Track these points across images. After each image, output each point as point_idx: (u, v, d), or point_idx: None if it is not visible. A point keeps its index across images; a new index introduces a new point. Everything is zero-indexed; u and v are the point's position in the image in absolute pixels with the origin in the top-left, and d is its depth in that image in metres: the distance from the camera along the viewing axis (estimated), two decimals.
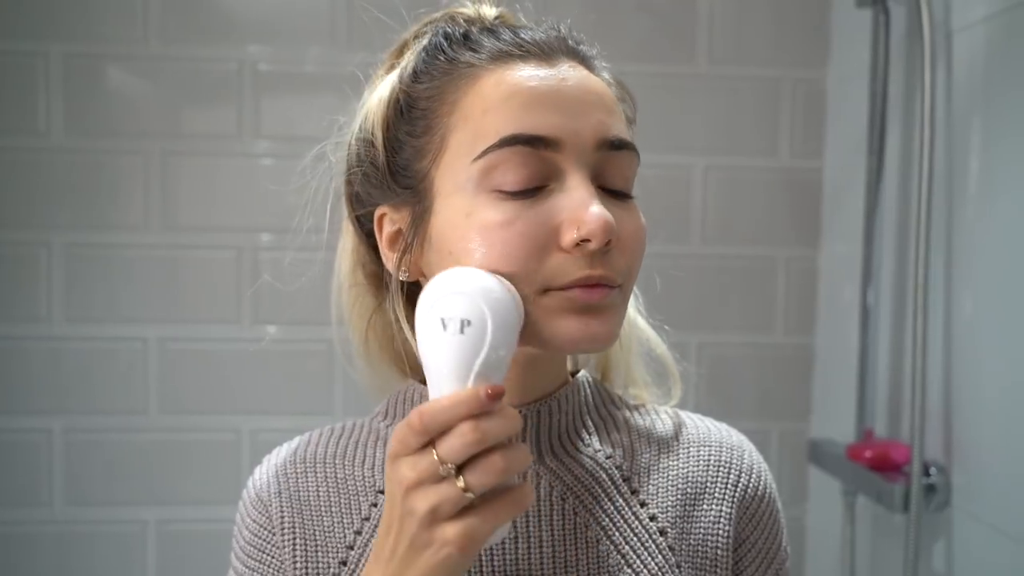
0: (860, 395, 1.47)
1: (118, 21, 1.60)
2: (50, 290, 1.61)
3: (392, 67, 0.71)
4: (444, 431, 0.54)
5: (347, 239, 0.76)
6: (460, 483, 0.54)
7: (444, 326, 0.56)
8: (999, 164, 1.18)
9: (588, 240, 0.59)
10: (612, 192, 0.64)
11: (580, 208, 0.60)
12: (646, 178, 0.72)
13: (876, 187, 1.45)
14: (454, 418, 0.54)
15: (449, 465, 0.54)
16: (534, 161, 0.61)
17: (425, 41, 0.68)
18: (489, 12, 0.71)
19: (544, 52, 0.65)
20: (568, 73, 0.64)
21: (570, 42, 0.67)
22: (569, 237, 0.60)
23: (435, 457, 0.54)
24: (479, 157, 0.61)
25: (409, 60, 0.68)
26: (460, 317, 0.56)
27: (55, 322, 1.61)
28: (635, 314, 0.80)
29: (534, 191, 0.61)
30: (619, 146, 0.64)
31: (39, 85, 1.59)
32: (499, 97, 0.62)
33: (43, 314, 1.61)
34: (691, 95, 1.68)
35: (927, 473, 1.26)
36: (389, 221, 0.68)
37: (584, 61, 0.67)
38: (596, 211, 0.59)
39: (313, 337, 1.62)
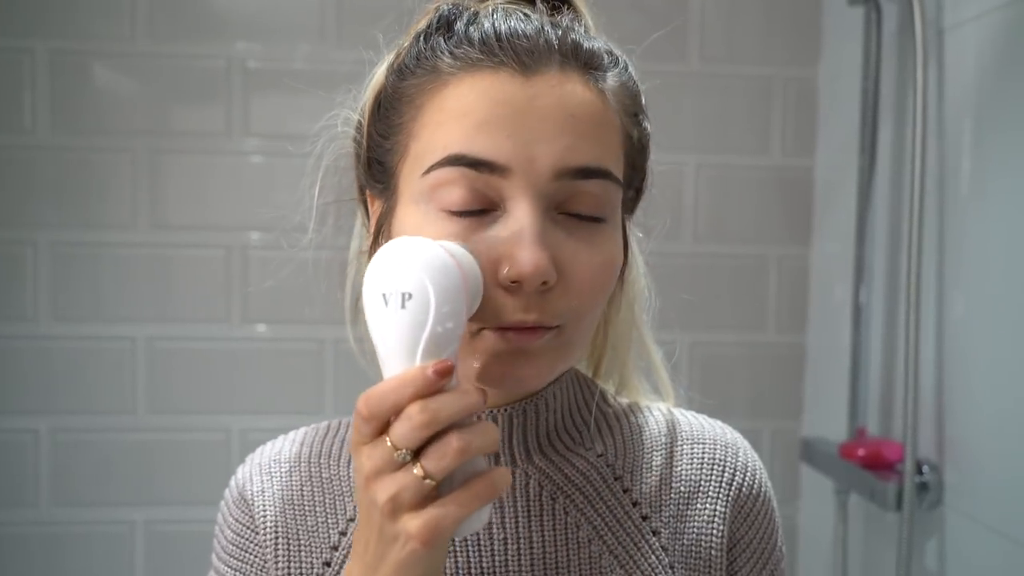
0: (852, 393, 1.47)
1: (106, 17, 1.59)
2: (37, 289, 1.59)
3: (398, 53, 0.67)
4: (394, 415, 0.51)
5: (361, 220, 0.74)
6: (418, 470, 0.51)
7: (386, 302, 0.53)
8: (991, 162, 1.18)
9: (518, 281, 0.56)
10: (579, 217, 0.60)
11: (516, 244, 0.56)
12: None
13: (868, 185, 1.45)
14: (401, 400, 0.51)
15: (403, 451, 0.51)
16: (480, 185, 0.57)
17: (422, 26, 0.65)
18: None
19: (524, 62, 0.59)
20: (543, 89, 0.59)
21: (572, 38, 0.61)
22: (502, 274, 0.57)
23: (388, 444, 0.51)
24: (426, 172, 0.59)
25: (403, 51, 0.66)
26: (400, 291, 0.52)
27: (42, 321, 1.60)
28: (641, 322, 0.78)
29: (479, 214, 0.58)
30: (586, 174, 0.59)
31: (25, 82, 1.57)
32: (457, 111, 0.59)
33: (30, 313, 1.60)
34: (683, 93, 1.68)
35: (920, 471, 1.26)
36: (375, 206, 0.67)
37: (586, 64, 0.61)
38: (529, 251, 0.56)
39: (304, 336, 1.61)
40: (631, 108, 0.64)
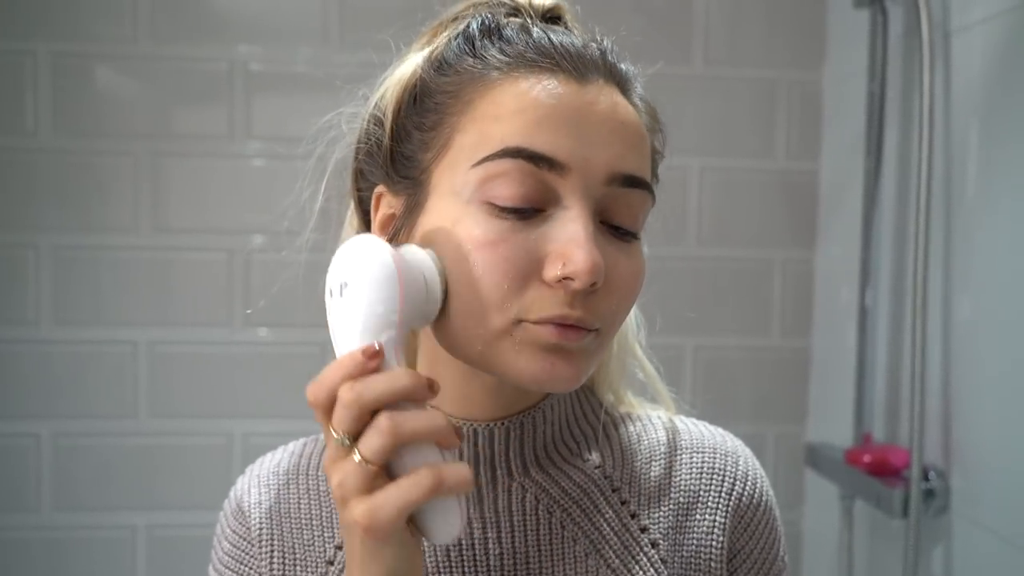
0: (858, 398, 1.46)
1: (108, 20, 1.58)
2: (38, 292, 1.59)
3: (426, 44, 0.67)
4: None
5: (351, 217, 0.73)
6: (356, 454, 0.51)
7: (331, 294, 0.55)
8: (998, 165, 1.17)
9: (571, 279, 0.56)
10: (616, 229, 0.60)
11: (570, 243, 0.56)
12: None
13: (874, 189, 1.44)
14: (334, 383, 0.52)
15: (342, 435, 0.51)
16: (534, 181, 0.57)
17: (462, 26, 0.64)
18: (542, 1, 0.66)
19: (577, 67, 0.60)
20: (597, 96, 0.59)
21: (610, 58, 0.62)
22: (552, 272, 0.56)
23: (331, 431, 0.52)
24: (478, 163, 0.57)
25: (440, 45, 0.64)
26: (340, 281, 0.55)
27: (43, 325, 1.59)
28: (633, 340, 0.77)
29: (528, 212, 0.57)
30: (632, 183, 0.60)
31: (27, 84, 1.57)
32: (515, 107, 0.58)
33: (31, 317, 1.59)
34: (686, 96, 1.67)
35: (926, 478, 1.25)
36: (386, 204, 0.65)
37: (620, 83, 0.63)
38: (586, 249, 0.56)
39: (305, 340, 1.61)
40: (654, 125, 0.65)
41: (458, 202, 0.58)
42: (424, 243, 0.60)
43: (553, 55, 0.60)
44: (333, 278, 0.55)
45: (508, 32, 0.62)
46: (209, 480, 1.62)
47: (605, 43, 0.64)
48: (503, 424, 0.66)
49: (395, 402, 0.52)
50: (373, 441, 0.51)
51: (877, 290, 1.45)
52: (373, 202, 0.66)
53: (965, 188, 1.23)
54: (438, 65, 0.63)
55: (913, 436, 1.23)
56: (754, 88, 1.69)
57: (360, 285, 0.54)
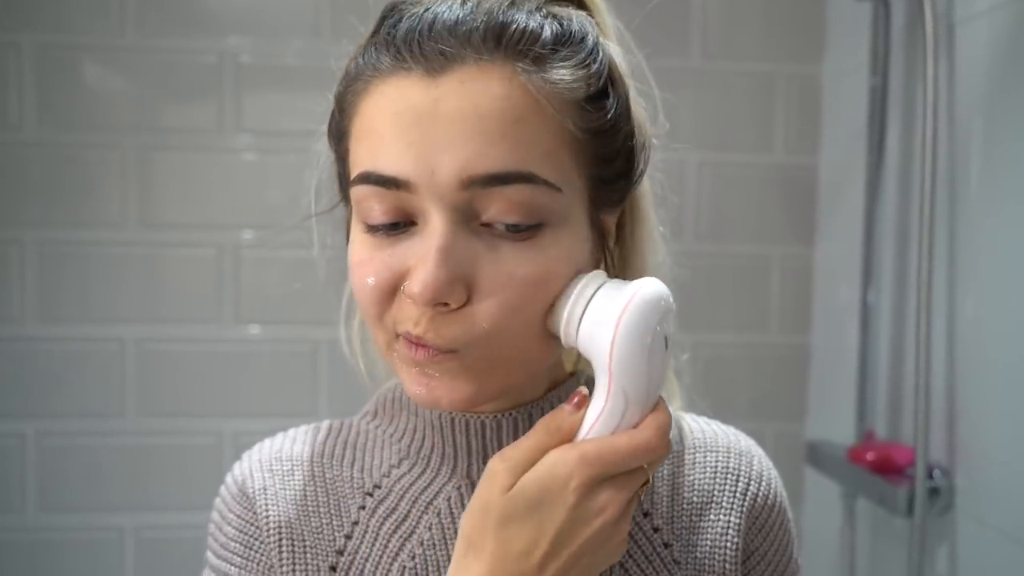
0: (860, 396, 1.45)
1: (94, 11, 1.55)
2: (23, 289, 1.56)
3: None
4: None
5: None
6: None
7: (666, 344, 0.56)
8: (1003, 160, 1.16)
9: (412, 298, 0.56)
10: (504, 233, 0.55)
11: (419, 260, 0.55)
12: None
13: (876, 183, 1.43)
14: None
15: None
16: (392, 200, 0.55)
17: (372, 29, 0.61)
18: None
19: (432, 62, 0.54)
20: (450, 90, 0.54)
21: (495, 23, 0.55)
22: (403, 287, 0.56)
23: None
24: (350, 188, 0.58)
25: (353, 55, 0.62)
26: (665, 334, 0.55)
27: (28, 322, 1.56)
28: None
29: (398, 228, 0.56)
30: (496, 181, 0.53)
31: (11, 76, 1.54)
32: (367, 126, 0.57)
33: (15, 314, 1.56)
34: (684, 90, 1.65)
35: (930, 475, 1.24)
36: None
37: (515, 54, 0.55)
38: (426, 269, 0.53)
39: (297, 337, 1.58)
40: (579, 92, 0.56)
41: (354, 223, 0.59)
42: None
43: (404, 54, 0.55)
44: (668, 328, 0.56)
45: (383, 30, 0.58)
46: (199, 480, 1.59)
47: (484, 16, 0.55)
48: (510, 415, 0.65)
49: None
50: None
51: (880, 286, 1.44)
52: None
53: (969, 183, 1.22)
54: (344, 78, 0.61)
55: (918, 433, 1.21)
56: (752, 82, 1.67)
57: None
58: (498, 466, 0.55)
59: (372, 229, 0.57)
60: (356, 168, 0.57)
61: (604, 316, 0.55)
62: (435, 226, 0.54)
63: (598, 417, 0.55)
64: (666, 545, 0.66)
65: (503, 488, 0.54)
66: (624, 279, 0.58)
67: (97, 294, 1.58)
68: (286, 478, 0.68)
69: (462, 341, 0.55)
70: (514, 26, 0.55)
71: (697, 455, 0.70)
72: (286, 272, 1.53)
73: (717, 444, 0.71)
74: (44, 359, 1.57)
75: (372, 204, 0.56)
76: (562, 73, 0.56)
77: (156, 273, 1.59)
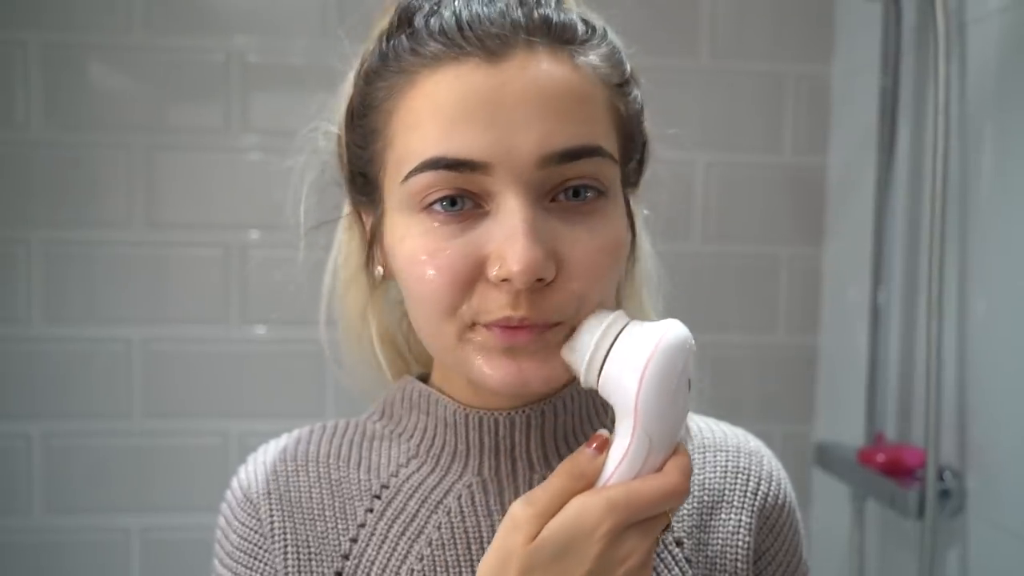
0: (870, 397, 1.44)
1: (101, 10, 1.54)
2: (29, 290, 1.55)
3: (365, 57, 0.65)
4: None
5: (346, 225, 0.72)
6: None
7: (690, 386, 0.56)
8: (1014, 159, 1.15)
9: (508, 280, 0.54)
10: (572, 206, 0.57)
11: (506, 241, 0.54)
12: (646, 175, 0.67)
13: (886, 184, 1.42)
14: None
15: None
16: (463, 184, 0.55)
17: (385, 23, 0.62)
18: None
19: (488, 47, 0.55)
20: (513, 75, 0.55)
21: (537, 17, 0.57)
22: (493, 271, 0.54)
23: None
24: (405, 179, 0.56)
25: (367, 56, 0.62)
26: (689, 377, 0.55)
27: (34, 323, 1.56)
28: (650, 310, 0.75)
29: (466, 215, 0.56)
30: (571, 156, 0.55)
31: (17, 75, 1.53)
32: (426, 112, 0.56)
33: (22, 315, 1.55)
34: (692, 90, 1.65)
35: (941, 478, 1.23)
36: (364, 216, 0.66)
37: (561, 38, 0.57)
38: (520, 247, 0.53)
39: (304, 337, 1.57)
40: (614, 78, 0.60)
41: (403, 216, 0.58)
42: (390, 258, 0.61)
43: (459, 42, 0.56)
44: (692, 371, 0.55)
45: (418, 21, 0.58)
46: (205, 482, 1.59)
47: (525, 9, 0.57)
48: (523, 412, 0.64)
49: None
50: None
51: (890, 287, 1.43)
52: (364, 217, 0.67)
53: (980, 183, 1.21)
54: (366, 75, 0.61)
55: (929, 435, 1.21)
56: (761, 82, 1.67)
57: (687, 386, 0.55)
58: (522, 513, 0.54)
59: (436, 220, 0.56)
60: (412, 159, 0.56)
61: (629, 361, 0.54)
62: (514, 206, 0.54)
63: (621, 460, 0.54)
64: (678, 543, 0.66)
65: (528, 537, 0.53)
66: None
67: (103, 294, 1.57)
68: (290, 481, 0.68)
69: (564, 312, 0.56)
70: (555, 16, 0.58)
71: (707, 455, 0.70)
72: (293, 272, 1.52)
73: (727, 444, 0.72)
74: (50, 360, 1.57)
75: (436, 192, 0.55)
76: (600, 60, 0.59)
77: (162, 273, 1.59)
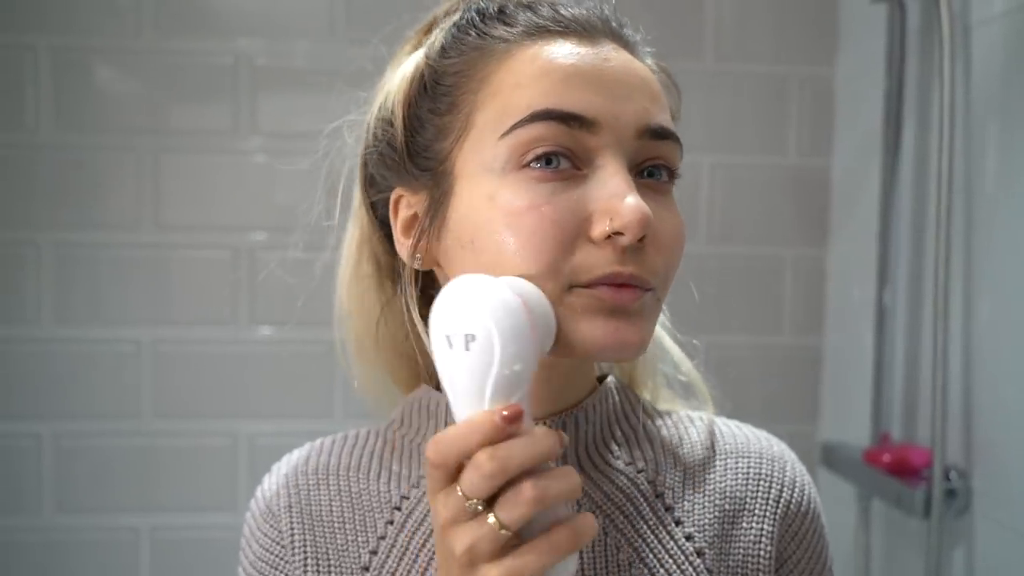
0: (876, 397, 1.44)
1: (109, 13, 1.55)
2: (39, 291, 1.56)
3: (418, 45, 0.66)
4: (464, 461, 0.49)
5: (356, 228, 0.71)
6: (492, 520, 0.48)
7: (450, 344, 0.50)
8: (1018, 161, 1.15)
9: (621, 233, 0.54)
10: (653, 178, 0.59)
11: (615, 197, 0.54)
12: None
13: (891, 185, 1.42)
14: (469, 447, 0.48)
15: (474, 501, 0.48)
16: (568, 141, 0.55)
17: (456, 17, 0.64)
18: None
19: (586, 30, 0.60)
20: (611, 54, 0.59)
21: (613, 24, 0.63)
22: (600, 228, 0.54)
23: (459, 493, 0.49)
24: (507, 133, 0.56)
25: (437, 36, 0.64)
26: (463, 332, 0.50)
27: (44, 324, 1.56)
28: (660, 332, 0.76)
29: (567, 173, 0.56)
30: (662, 135, 0.58)
31: (27, 79, 1.54)
32: (534, 71, 0.57)
33: (31, 315, 1.56)
34: (697, 92, 1.65)
35: (947, 477, 1.23)
36: (405, 205, 0.64)
37: (627, 45, 0.63)
38: (632, 202, 0.53)
39: (312, 338, 1.58)
40: (669, 85, 0.66)
41: (492, 177, 0.57)
42: (458, 229, 0.58)
43: (562, 19, 0.60)
44: (454, 327, 0.50)
45: (509, 9, 0.62)
46: (214, 482, 1.59)
47: (606, 10, 0.63)
48: (546, 423, 0.64)
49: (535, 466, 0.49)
50: (516, 511, 0.47)
51: (895, 288, 1.44)
52: (392, 208, 0.65)
53: (985, 184, 1.22)
54: (443, 52, 0.62)
55: (935, 435, 1.21)
56: (765, 84, 1.67)
57: (492, 340, 0.49)
58: None
59: (537, 176, 0.55)
60: (517, 112, 0.56)
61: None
62: (615, 168, 0.56)
63: None
64: (699, 553, 0.65)
65: None
66: None
67: (112, 296, 1.58)
68: (311, 495, 0.68)
69: (659, 275, 0.57)
70: (624, 25, 0.64)
71: (728, 461, 0.69)
72: (300, 273, 1.52)
73: (749, 450, 0.70)
74: (59, 360, 1.57)
75: (541, 147, 0.55)
76: (651, 63, 0.65)
77: (170, 274, 1.59)
